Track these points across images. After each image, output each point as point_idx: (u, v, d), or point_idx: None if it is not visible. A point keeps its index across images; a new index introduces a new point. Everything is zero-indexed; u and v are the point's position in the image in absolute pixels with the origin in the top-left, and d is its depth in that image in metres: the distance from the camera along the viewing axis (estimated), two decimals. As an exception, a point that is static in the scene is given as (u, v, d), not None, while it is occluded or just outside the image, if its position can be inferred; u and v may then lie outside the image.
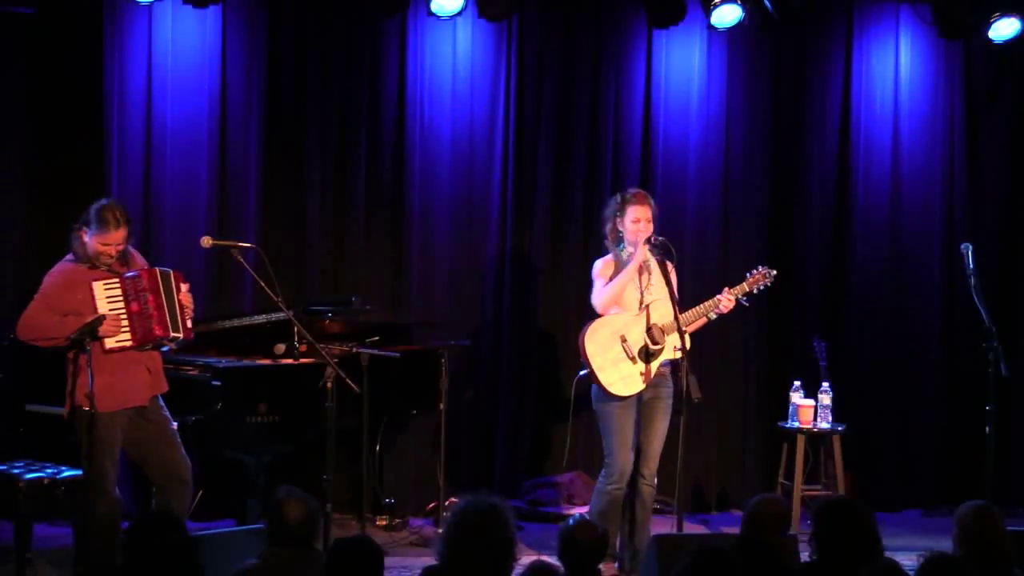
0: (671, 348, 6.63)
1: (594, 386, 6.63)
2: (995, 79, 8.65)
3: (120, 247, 5.93)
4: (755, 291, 6.81)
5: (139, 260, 6.12)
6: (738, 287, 6.74)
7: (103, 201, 5.98)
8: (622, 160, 8.33)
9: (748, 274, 6.81)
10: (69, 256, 5.96)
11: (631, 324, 6.63)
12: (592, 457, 7.87)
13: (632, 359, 6.59)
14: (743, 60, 8.44)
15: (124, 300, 5.85)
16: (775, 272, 6.83)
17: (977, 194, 8.64)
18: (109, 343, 5.81)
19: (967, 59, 8.57)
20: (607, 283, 6.67)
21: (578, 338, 6.67)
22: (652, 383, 6.62)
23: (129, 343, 5.87)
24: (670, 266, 6.66)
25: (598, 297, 6.69)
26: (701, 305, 6.63)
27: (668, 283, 6.63)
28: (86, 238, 5.88)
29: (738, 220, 8.48)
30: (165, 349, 6.14)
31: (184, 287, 6.01)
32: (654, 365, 6.62)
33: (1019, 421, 8.48)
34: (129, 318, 5.85)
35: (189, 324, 6.03)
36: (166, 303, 5.91)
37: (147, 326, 5.87)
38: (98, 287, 5.83)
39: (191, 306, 6.05)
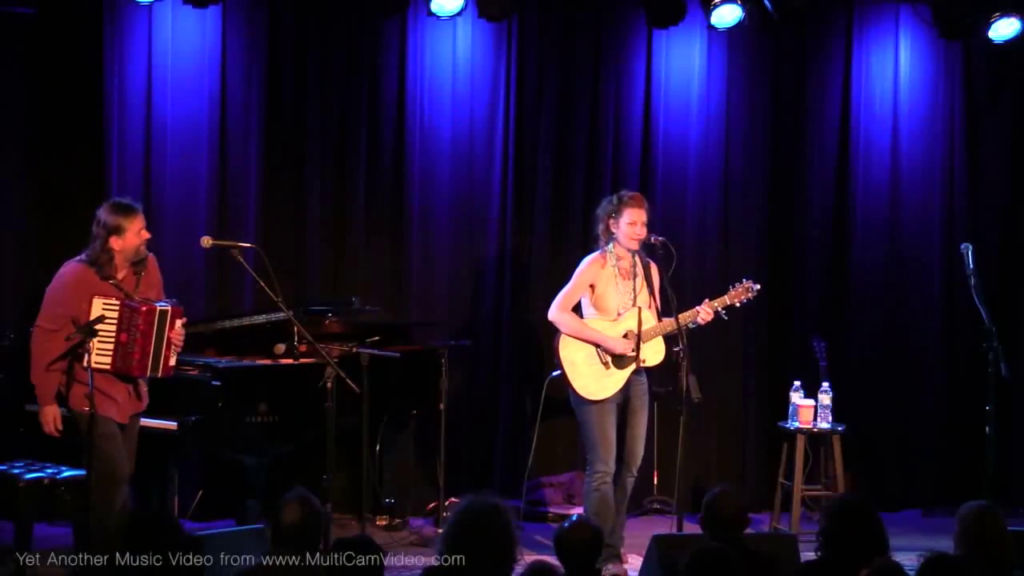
0: (652, 356, 6.64)
1: (569, 388, 6.69)
2: (995, 79, 8.64)
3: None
4: (737, 304, 6.79)
5: (154, 271, 6.09)
6: (719, 299, 6.74)
7: (107, 203, 5.99)
8: (622, 160, 8.32)
9: (731, 286, 6.80)
10: (81, 256, 5.93)
11: (606, 330, 6.64)
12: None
13: (605, 364, 6.62)
14: (743, 60, 8.43)
15: (116, 325, 5.83)
16: (759, 286, 6.82)
17: (977, 194, 8.63)
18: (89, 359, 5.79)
19: (967, 59, 8.56)
20: (576, 294, 6.69)
21: (554, 340, 6.73)
22: (625, 386, 6.66)
23: (107, 367, 5.86)
24: (654, 269, 6.67)
25: (558, 309, 6.69)
26: (680, 315, 6.58)
27: (651, 288, 6.64)
28: (117, 246, 5.87)
29: (738, 220, 8.48)
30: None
31: (179, 323, 5.96)
32: (627, 371, 6.63)
33: (1019, 421, 8.48)
34: (115, 345, 5.85)
35: (172, 362, 5.99)
36: (153, 345, 5.88)
37: (127, 362, 5.87)
38: (97, 304, 5.81)
39: (180, 343, 6.01)
